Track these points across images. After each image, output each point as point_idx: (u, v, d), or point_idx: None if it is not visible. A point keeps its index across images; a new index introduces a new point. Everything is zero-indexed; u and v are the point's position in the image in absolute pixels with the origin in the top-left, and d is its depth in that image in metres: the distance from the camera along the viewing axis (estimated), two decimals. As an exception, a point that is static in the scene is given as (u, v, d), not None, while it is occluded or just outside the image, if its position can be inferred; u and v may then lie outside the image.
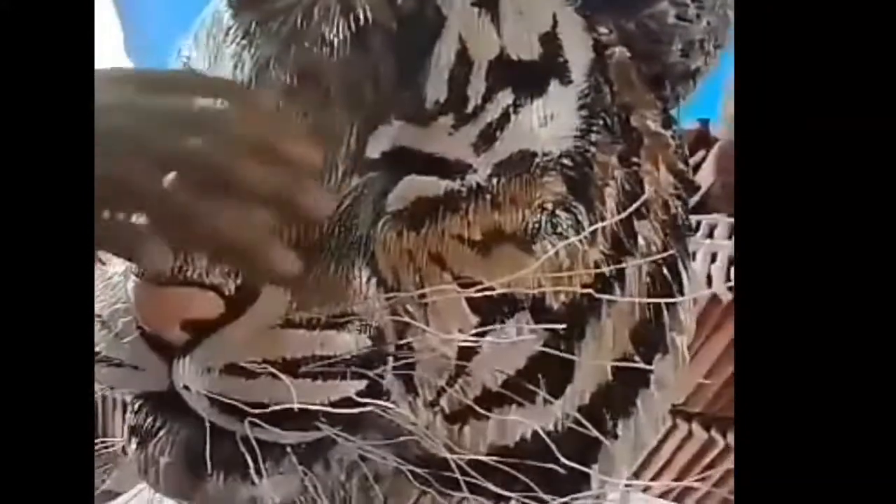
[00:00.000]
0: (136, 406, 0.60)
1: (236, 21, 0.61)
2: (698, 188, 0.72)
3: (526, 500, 0.63)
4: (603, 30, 0.67)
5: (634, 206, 0.62)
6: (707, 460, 1.79)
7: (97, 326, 0.57)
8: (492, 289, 0.57)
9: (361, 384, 0.56)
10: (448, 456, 0.58)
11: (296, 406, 0.51)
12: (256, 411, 0.53)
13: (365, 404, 0.56)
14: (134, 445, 0.59)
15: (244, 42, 0.60)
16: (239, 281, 0.53)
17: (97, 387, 0.59)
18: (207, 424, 0.54)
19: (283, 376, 0.53)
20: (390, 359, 0.58)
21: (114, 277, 0.57)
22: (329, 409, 0.55)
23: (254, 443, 0.55)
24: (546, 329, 0.61)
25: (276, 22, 0.60)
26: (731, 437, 1.77)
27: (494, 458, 0.61)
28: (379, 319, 0.57)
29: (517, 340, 0.60)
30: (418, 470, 0.61)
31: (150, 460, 0.58)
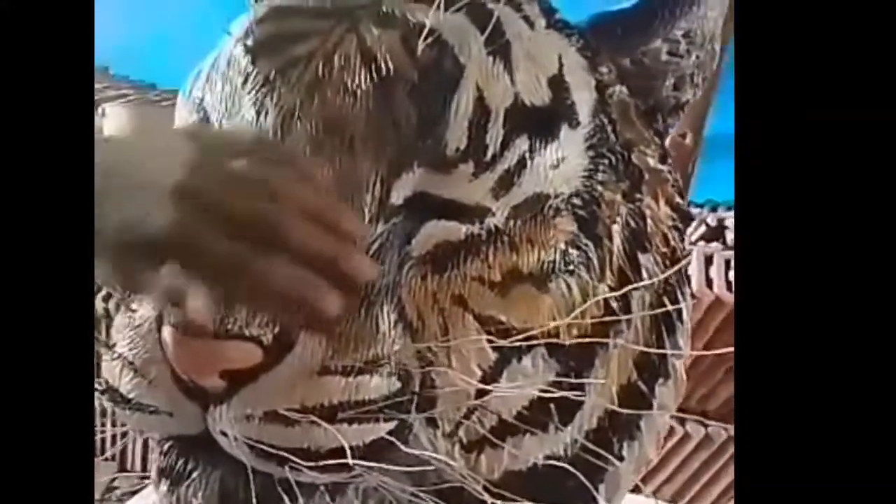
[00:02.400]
0: (165, 448, 0.61)
1: (255, 67, 0.62)
2: (692, 219, 0.75)
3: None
4: (603, 69, 0.69)
5: (677, 266, 0.65)
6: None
7: (129, 374, 0.58)
8: (532, 337, 0.60)
9: (392, 425, 0.59)
10: (475, 488, 0.60)
11: (350, 461, 0.53)
12: (296, 458, 0.55)
13: (393, 443, 0.59)
14: (165, 487, 0.60)
15: (265, 90, 0.61)
16: (276, 330, 0.55)
17: (126, 429, 0.61)
18: (249, 470, 0.56)
19: (322, 423, 0.55)
20: (416, 397, 0.60)
21: (143, 325, 0.58)
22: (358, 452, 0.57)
23: (293, 484, 0.57)
24: (559, 361, 0.64)
25: (296, 70, 0.61)
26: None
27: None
28: (408, 362, 0.59)
29: (533, 376, 0.63)
30: (434, 499, 0.63)
31: (182, 501, 0.59)
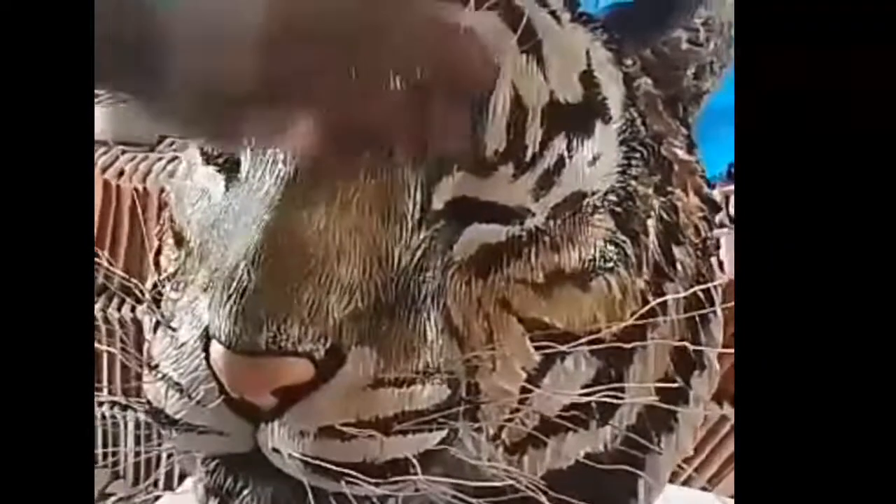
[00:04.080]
0: (212, 467, 0.60)
1: None
2: (720, 208, 0.75)
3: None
4: (628, 62, 0.69)
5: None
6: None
7: (175, 394, 0.57)
8: (600, 340, 0.60)
9: (443, 433, 0.58)
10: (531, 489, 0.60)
11: (421, 477, 0.53)
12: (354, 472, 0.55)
13: (443, 451, 0.59)
14: (214, 506, 0.60)
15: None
16: (328, 344, 0.54)
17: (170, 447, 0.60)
18: (308, 487, 0.55)
19: (379, 436, 0.55)
20: (462, 403, 0.60)
21: (187, 344, 0.58)
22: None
23: (351, 499, 0.56)
24: (599, 359, 0.64)
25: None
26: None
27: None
28: (455, 369, 0.59)
29: (575, 376, 0.63)
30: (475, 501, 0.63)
31: None
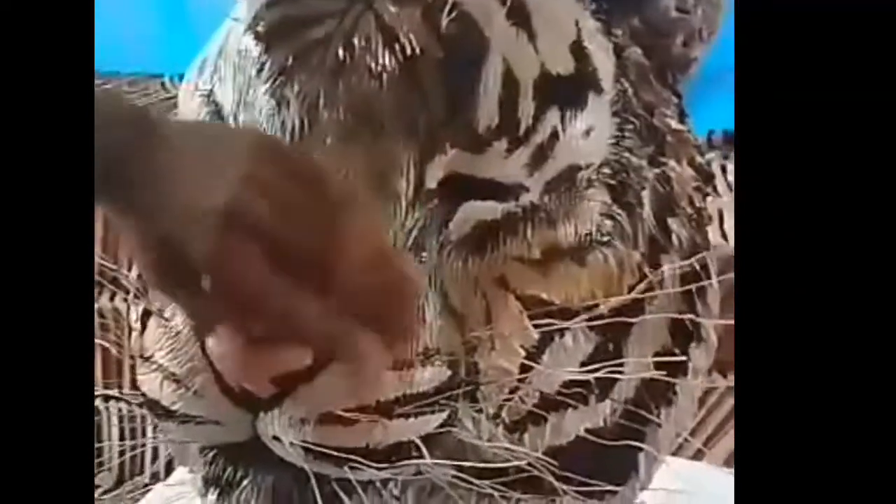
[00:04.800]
0: (210, 457, 0.59)
1: (269, 55, 0.59)
2: (713, 176, 0.74)
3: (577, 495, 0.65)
4: (618, 31, 0.68)
5: None
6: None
7: (172, 385, 0.56)
8: (599, 316, 0.59)
9: (444, 414, 0.58)
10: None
11: (429, 460, 0.53)
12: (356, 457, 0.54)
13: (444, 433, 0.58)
14: (214, 497, 0.59)
15: (282, 78, 0.58)
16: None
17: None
18: (311, 474, 0.55)
19: (381, 420, 0.54)
20: (462, 384, 0.59)
21: (182, 334, 0.56)
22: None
23: (355, 483, 0.55)
24: (598, 334, 0.64)
25: (315, 56, 0.58)
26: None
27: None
28: (455, 349, 0.58)
29: (573, 351, 0.63)
30: (476, 480, 0.62)
31: None
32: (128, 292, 0.65)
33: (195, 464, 0.63)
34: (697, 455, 1.18)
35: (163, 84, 1.86)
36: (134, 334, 0.61)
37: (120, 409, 1.66)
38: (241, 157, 0.47)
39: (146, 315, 0.61)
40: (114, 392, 0.60)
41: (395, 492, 0.62)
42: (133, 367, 0.59)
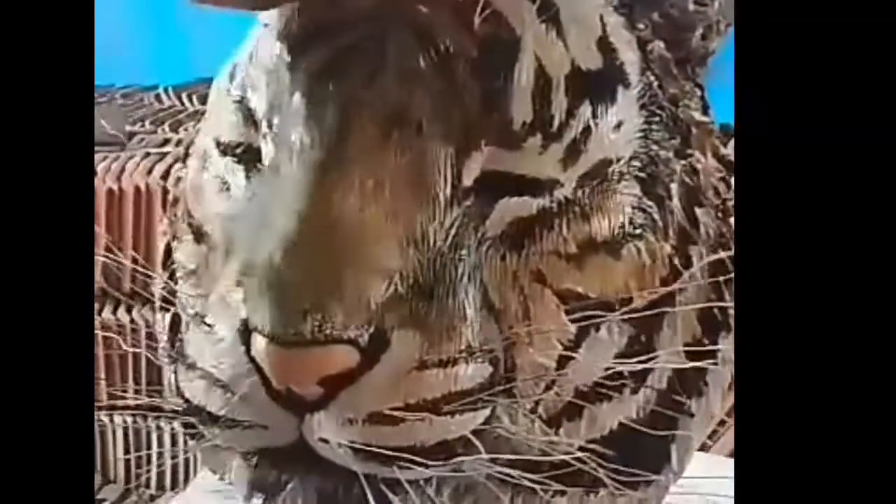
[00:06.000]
0: (255, 462, 0.59)
1: (302, 60, 0.59)
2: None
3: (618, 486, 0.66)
4: (640, 25, 0.68)
5: None
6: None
7: (218, 391, 0.56)
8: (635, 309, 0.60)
9: (488, 411, 0.58)
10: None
11: (485, 455, 0.54)
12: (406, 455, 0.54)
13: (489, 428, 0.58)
14: (259, 501, 0.59)
15: (316, 83, 0.58)
16: (372, 330, 0.53)
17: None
18: (361, 475, 0.55)
19: (428, 417, 0.54)
20: (502, 381, 0.59)
21: (224, 341, 0.56)
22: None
23: (405, 483, 0.56)
24: (632, 326, 0.64)
25: (348, 59, 0.58)
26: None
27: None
28: (496, 346, 0.58)
29: (608, 344, 0.63)
30: (514, 472, 0.62)
31: None
32: (167, 302, 0.65)
33: (230, 471, 0.63)
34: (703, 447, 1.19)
35: (157, 96, 1.85)
36: (178, 343, 0.61)
37: (125, 422, 1.66)
38: None
39: (176, 321, 0.61)
40: (157, 401, 0.59)
41: (430, 491, 0.62)
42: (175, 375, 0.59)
